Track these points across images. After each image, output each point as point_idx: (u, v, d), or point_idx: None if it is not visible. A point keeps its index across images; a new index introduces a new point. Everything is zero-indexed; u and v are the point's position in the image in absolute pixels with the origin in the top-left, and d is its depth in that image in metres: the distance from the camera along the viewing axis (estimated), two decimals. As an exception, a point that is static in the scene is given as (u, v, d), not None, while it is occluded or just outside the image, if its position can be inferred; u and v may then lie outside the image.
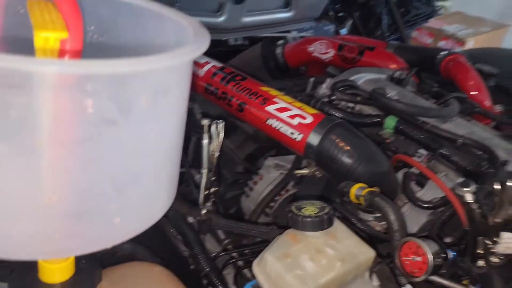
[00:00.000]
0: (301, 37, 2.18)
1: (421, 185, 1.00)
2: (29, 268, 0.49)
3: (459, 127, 1.13)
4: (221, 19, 1.80)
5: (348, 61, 1.69)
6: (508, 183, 0.62)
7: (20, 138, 0.36)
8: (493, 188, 0.64)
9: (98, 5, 0.48)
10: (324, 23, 2.15)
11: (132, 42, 0.50)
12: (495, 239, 0.65)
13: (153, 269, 0.65)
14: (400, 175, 1.04)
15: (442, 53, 1.57)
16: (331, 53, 1.73)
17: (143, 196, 0.41)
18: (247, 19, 1.88)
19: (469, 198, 0.69)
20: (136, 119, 0.37)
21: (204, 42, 0.41)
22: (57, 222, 0.37)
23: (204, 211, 0.95)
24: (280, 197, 1.22)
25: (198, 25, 0.45)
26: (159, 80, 0.38)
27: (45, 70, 0.34)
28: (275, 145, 1.30)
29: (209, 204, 0.97)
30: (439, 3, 2.12)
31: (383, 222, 0.97)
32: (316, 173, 1.06)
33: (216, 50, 2.03)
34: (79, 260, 0.50)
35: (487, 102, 1.46)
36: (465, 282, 0.76)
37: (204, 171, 0.95)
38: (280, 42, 1.98)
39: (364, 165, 0.96)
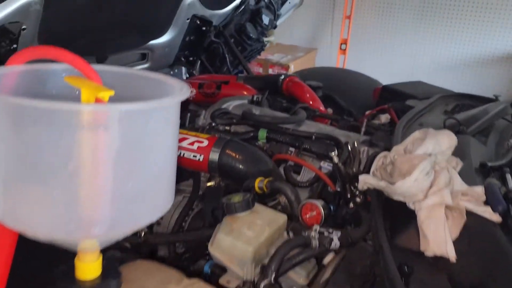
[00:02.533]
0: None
1: (298, 172, 1.35)
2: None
3: (310, 127, 1.52)
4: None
5: (209, 95, 2.00)
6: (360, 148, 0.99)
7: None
8: (348, 151, 1.01)
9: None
10: (177, 68, 2.45)
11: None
12: (356, 184, 1.00)
13: (153, 265, 0.81)
14: (281, 169, 1.36)
15: (281, 77, 1.99)
16: (193, 92, 2.02)
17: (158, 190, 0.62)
18: (111, 75, 2.05)
19: (336, 159, 1.04)
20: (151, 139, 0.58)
21: (186, 90, 0.63)
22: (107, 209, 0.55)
23: (142, 233, 1.13)
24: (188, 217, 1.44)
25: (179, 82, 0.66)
26: (163, 114, 0.60)
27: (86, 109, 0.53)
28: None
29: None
30: (266, 39, 2.61)
31: (278, 207, 1.28)
32: (221, 183, 1.32)
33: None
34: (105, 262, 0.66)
35: (322, 108, 1.92)
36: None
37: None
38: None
39: (255, 167, 1.26)
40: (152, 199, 0.60)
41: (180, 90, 0.61)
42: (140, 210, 0.58)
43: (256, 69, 4.33)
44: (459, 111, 1.74)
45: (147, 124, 0.55)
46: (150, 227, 1.27)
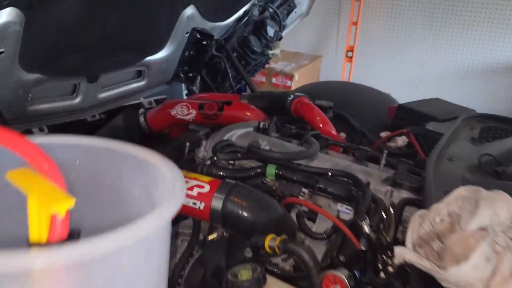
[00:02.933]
0: (157, 101, 2.27)
1: (313, 219, 1.17)
2: None
3: (324, 161, 1.35)
4: (77, 100, 1.77)
5: (210, 117, 1.83)
6: (391, 211, 0.81)
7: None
8: (382, 215, 0.83)
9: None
10: (176, 85, 2.27)
11: (109, 183, 0.52)
12: (390, 253, 0.83)
13: None
14: (293, 215, 1.19)
15: (289, 98, 1.82)
16: (193, 113, 1.86)
17: None
18: (103, 95, 1.88)
19: (367, 229, 0.87)
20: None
21: (177, 201, 0.45)
22: None
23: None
24: (188, 264, 1.27)
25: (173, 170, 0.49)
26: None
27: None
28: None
29: None
30: (271, 52, 2.44)
31: (290, 260, 1.10)
32: (225, 234, 1.15)
33: (74, 130, 1.98)
34: None
35: (334, 131, 1.75)
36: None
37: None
38: (141, 110, 2.03)
39: (264, 216, 1.09)
40: None
41: (172, 190, 0.44)
42: None
43: (259, 78, 4.17)
44: (487, 137, 1.57)
45: (121, 263, 0.38)
46: None
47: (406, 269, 0.84)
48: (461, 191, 0.83)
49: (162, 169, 0.49)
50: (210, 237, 1.12)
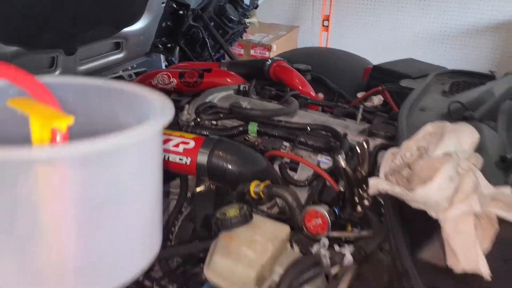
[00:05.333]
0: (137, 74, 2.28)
1: (294, 169, 1.24)
2: None
3: (304, 117, 1.41)
4: (56, 73, 1.78)
5: (191, 85, 1.86)
6: (364, 145, 0.88)
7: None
8: (356, 151, 0.90)
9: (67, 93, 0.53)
10: (155, 56, 2.29)
11: (102, 120, 0.55)
12: (365, 187, 0.90)
13: None
14: (275, 167, 1.25)
15: (267, 62, 1.86)
16: (174, 82, 1.88)
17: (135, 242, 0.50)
18: (83, 68, 1.89)
19: (343, 163, 0.93)
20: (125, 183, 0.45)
21: (170, 110, 0.50)
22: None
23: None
24: (177, 221, 1.32)
25: (162, 98, 0.53)
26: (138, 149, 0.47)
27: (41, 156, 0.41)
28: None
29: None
30: (248, 20, 2.46)
31: (274, 209, 1.17)
32: (211, 186, 1.20)
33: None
34: None
35: (313, 93, 1.80)
36: (349, 229, 1.00)
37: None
38: (123, 82, 2.04)
39: (248, 167, 1.14)
40: (130, 254, 0.48)
41: (162, 109, 0.49)
42: (112, 275, 0.46)
43: (237, 50, 4.17)
44: (457, 90, 1.65)
45: (120, 164, 0.43)
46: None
47: (380, 201, 0.91)
48: (429, 128, 0.90)
49: (153, 100, 0.53)
50: (198, 189, 1.17)
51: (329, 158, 1.24)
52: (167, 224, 1.28)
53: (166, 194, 1.38)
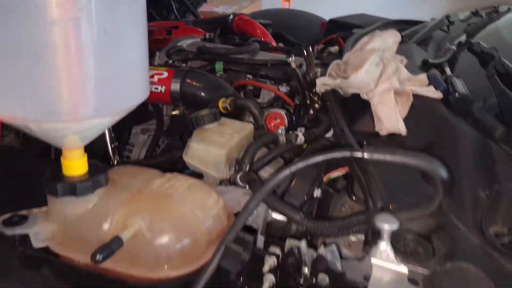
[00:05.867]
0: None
1: (258, 96, 1.41)
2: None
3: (264, 56, 1.57)
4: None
5: (160, 42, 1.99)
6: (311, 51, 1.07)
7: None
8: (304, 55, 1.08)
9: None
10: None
11: None
12: (314, 91, 1.08)
13: (135, 168, 0.85)
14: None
15: (230, 17, 2.01)
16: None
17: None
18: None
19: (293, 65, 1.11)
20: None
21: None
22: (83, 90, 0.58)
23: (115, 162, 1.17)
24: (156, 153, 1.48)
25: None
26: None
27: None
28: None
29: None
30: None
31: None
32: (185, 111, 1.36)
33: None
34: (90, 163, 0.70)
35: (274, 43, 1.97)
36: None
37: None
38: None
39: (217, 93, 1.30)
40: (131, 83, 0.63)
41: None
42: (121, 93, 0.62)
43: (202, 23, 4.28)
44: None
45: (120, 8, 0.58)
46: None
47: (326, 104, 1.09)
48: (364, 39, 1.08)
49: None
50: (173, 112, 1.32)
51: (288, 87, 1.42)
52: (145, 156, 1.43)
53: (141, 131, 1.53)
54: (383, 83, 0.90)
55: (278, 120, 1.09)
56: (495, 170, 0.73)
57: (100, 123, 0.63)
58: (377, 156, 0.63)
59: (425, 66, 1.10)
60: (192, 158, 0.96)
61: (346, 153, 0.65)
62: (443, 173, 0.63)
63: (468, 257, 0.62)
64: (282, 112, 1.09)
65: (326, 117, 1.10)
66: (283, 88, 1.44)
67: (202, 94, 1.29)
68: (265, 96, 1.39)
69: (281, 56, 1.59)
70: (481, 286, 0.55)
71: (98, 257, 0.59)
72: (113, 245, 0.61)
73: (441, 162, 0.65)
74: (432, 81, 0.93)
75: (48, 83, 0.54)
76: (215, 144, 0.95)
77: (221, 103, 1.20)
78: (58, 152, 0.68)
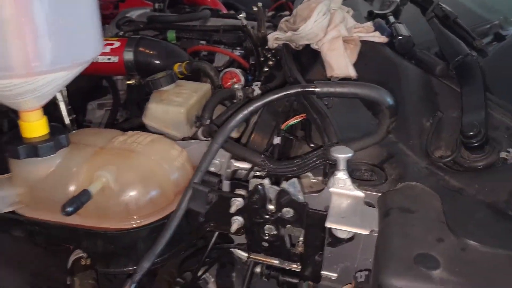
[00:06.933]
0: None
1: (211, 61, 1.42)
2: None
3: (216, 22, 1.58)
4: None
5: (107, 17, 1.94)
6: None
7: None
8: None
9: None
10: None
11: None
12: (266, 46, 1.11)
13: (95, 129, 0.85)
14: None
15: (180, -14, 1.99)
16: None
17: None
18: None
19: (244, 22, 1.13)
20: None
21: None
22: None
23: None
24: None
25: None
26: None
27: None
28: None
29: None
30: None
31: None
32: (141, 81, 1.35)
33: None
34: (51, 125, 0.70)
35: (224, 10, 1.97)
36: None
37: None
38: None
39: (171, 60, 1.30)
40: (84, 36, 0.63)
41: None
42: (75, 47, 0.62)
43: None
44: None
45: None
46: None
47: (280, 61, 1.12)
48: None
49: None
50: (128, 82, 1.32)
51: (242, 51, 1.44)
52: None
53: (98, 106, 1.51)
54: (331, 31, 0.94)
55: (234, 79, 1.12)
56: (437, 101, 0.79)
57: (56, 78, 0.62)
58: (328, 89, 0.67)
59: (370, 17, 1.15)
60: (152, 119, 0.97)
61: (298, 89, 0.69)
62: (389, 99, 0.67)
63: (416, 178, 0.67)
64: (238, 71, 1.12)
65: (280, 73, 1.14)
66: (237, 52, 1.46)
67: (157, 61, 1.29)
68: (220, 60, 1.41)
69: (233, 21, 1.60)
70: (428, 198, 0.61)
71: (68, 209, 0.60)
72: (81, 198, 0.62)
73: (387, 91, 0.70)
74: (377, 28, 0.98)
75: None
76: (174, 103, 0.96)
77: (176, 68, 1.20)
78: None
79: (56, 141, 0.70)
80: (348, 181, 0.65)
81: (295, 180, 0.67)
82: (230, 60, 1.36)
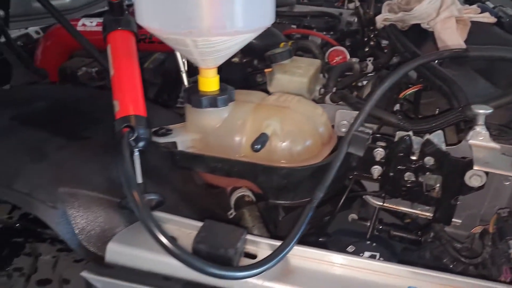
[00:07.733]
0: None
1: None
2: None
3: (303, 9, 1.69)
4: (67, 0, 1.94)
5: None
6: None
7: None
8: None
9: None
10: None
11: None
12: (371, 27, 1.21)
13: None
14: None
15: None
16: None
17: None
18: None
19: (357, 2, 1.24)
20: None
21: None
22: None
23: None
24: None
25: None
26: None
27: None
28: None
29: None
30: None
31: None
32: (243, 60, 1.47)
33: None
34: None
35: None
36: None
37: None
38: None
39: (271, 39, 1.41)
40: (266, 7, 0.75)
41: None
42: (260, 13, 0.74)
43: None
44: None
45: None
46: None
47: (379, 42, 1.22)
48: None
49: None
50: (233, 60, 1.44)
51: (333, 36, 1.55)
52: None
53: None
54: (444, 11, 1.04)
55: (340, 57, 1.22)
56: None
57: (242, 40, 0.75)
58: (479, 52, 0.76)
59: (467, 2, 1.24)
60: (277, 88, 1.08)
61: (449, 53, 0.78)
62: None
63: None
64: (343, 49, 1.23)
65: (381, 52, 1.24)
66: (328, 36, 1.57)
67: (257, 41, 1.40)
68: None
69: (320, 8, 1.71)
70: None
71: (256, 146, 0.73)
72: (263, 138, 0.74)
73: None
74: (484, 10, 1.07)
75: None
76: (297, 74, 1.08)
77: (281, 47, 1.32)
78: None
79: (229, 94, 0.82)
80: (487, 134, 0.75)
81: (440, 131, 0.77)
82: (323, 43, 1.47)
